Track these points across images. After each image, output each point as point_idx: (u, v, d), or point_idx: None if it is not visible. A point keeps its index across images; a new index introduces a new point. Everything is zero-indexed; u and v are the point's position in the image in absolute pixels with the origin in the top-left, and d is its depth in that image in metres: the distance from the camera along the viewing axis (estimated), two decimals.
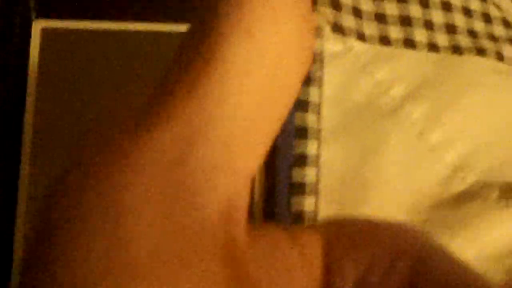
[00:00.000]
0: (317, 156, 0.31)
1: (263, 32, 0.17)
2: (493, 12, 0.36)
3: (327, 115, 0.31)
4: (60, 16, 0.28)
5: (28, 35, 0.28)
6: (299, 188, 0.31)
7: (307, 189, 0.31)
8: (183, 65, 0.17)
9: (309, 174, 0.31)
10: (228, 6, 0.17)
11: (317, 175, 0.31)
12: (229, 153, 0.17)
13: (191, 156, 0.16)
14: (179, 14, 0.28)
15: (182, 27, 0.28)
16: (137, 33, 0.28)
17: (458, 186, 0.32)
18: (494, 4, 0.36)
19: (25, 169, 0.27)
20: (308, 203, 0.30)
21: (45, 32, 0.28)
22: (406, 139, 0.31)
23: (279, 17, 0.18)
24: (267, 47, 0.17)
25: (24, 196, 0.27)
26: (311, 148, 0.31)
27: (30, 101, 0.27)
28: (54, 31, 0.28)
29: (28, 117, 0.27)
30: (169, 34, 0.28)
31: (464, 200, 0.32)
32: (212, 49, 0.17)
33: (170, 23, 0.28)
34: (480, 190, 0.32)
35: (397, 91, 0.32)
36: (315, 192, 0.31)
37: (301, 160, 0.31)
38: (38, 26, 0.28)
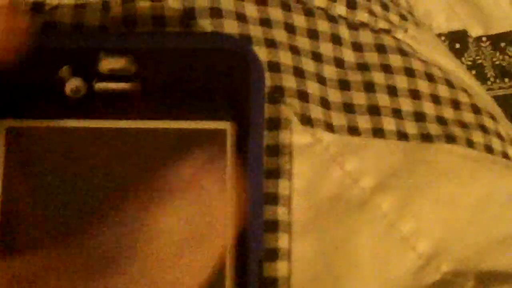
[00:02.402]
0: (289, 250, 0.30)
1: None
2: (462, 98, 0.36)
3: (298, 208, 0.31)
4: (24, 115, 0.28)
5: None
6: (272, 284, 0.30)
7: (280, 284, 0.30)
8: None
9: (281, 268, 0.30)
10: None
11: (289, 270, 0.30)
12: None
13: None
14: (144, 111, 0.28)
15: (150, 124, 0.28)
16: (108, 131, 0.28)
17: (432, 276, 0.32)
18: (462, 89, 0.36)
19: None
20: None
21: (10, 131, 0.27)
22: (377, 231, 0.31)
23: None
24: None
25: None
26: (282, 241, 0.30)
27: None
28: (19, 130, 0.28)
29: None
30: (137, 131, 0.28)
31: None
32: None
33: (136, 120, 0.28)
34: (454, 280, 0.32)
35: (367, 182, 0.32)
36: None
37: (273, 255, 0.30)
38: (2, 126, 0.27)
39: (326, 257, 0.30)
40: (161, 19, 0.32)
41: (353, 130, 0.32)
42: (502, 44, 0.46)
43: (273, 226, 0.30)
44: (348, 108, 0.33)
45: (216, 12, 0.32)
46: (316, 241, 0.31)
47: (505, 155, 0.35)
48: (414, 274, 0.31)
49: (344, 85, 0.33)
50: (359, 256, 0.31)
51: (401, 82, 0.34)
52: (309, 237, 0.31)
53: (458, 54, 0.44)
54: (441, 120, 0.34)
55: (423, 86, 0.35)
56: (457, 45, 0.44)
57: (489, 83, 0.46)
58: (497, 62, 0.46)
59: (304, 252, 0.30)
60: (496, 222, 0.33)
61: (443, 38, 0.43)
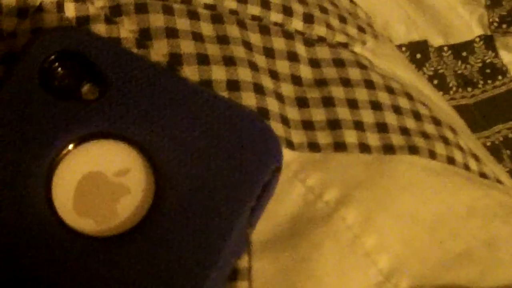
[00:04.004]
0: (249, 269, 0.30)
1: None
2: (422, 110, 0.36)
3: (259, 228, 0.30)
4: None
5: None
6: None
7: None
8: None
9: (240, 287, 0.30)
10: None
11: None
12: None
13: None
14: None
15: None
16: None
17: None
18: (421, 102, 0.36)
19: None
20: None
21: None
22: (341, 245, 0.31)
23: None
24: None
25: None
26: (242, 261, 0.30)
27: None
28: None
29: None
30: None
31: None
32: None
33: None
34: None
35: (331, 194, 0.31)
36: None
37: (232, 274, 0.30)
38: None
39: (287, 273, 0.30)
40: (118, 41, 0.32)
41: (314, 146, 0.32)
42: (464, 53, 0.46)
43: None
44: (307, 125, 0.32)
45: (172, 33, 0.32)
46: (277, 259, 0.30)
47: (466, 167, 0.35)
48: None
49: (302, 102, 0.33)
50: (321, 271, 0.30)
51: (361, 94, 0.34)
52: (269, 255, 0.30)
53: (419, 64, 0.44)
54: (403, 131, 0.34)
55: (383, 97, 0.34)
56: (418, 56, 0.44)
57: (451, 92, 0.46)
58: (459, 72, 0.46)
59: (264, 270, 0.30)
60: (455, 237, 0.33)
61: (403, 49, 0.43)
